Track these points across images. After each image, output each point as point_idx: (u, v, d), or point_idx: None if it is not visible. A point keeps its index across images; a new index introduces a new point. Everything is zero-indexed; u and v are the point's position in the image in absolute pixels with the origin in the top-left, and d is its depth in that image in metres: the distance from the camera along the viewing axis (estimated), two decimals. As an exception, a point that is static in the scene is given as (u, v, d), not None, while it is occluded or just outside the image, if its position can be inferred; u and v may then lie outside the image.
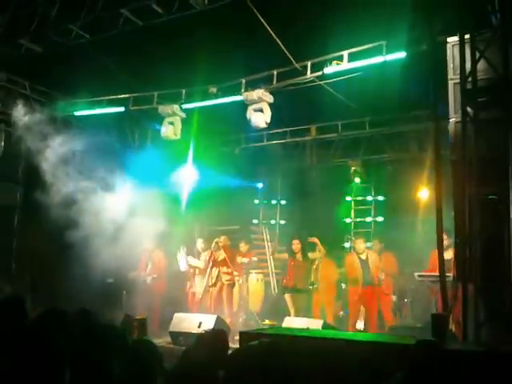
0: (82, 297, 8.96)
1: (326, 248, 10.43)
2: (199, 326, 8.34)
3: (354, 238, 11.52)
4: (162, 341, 8.91)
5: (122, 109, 10.71)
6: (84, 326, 3.87)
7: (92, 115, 11.09)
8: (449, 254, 8.35)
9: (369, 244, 11.41)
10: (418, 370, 2.83)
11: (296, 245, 10.48)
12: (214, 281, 10.38)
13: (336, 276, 10.49)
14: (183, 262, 10.75)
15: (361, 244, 10.07)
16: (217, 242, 10.51)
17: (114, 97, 10.65)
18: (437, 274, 7.15)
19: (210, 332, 4.06)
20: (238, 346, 6.41)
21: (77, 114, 11.13)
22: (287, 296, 10.37)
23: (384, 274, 9.86)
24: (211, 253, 10.54)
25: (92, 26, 8.24)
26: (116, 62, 8.84)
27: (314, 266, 10.38)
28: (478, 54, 6.18)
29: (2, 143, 9.82)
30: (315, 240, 10.44)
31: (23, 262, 10.13)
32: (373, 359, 3.91)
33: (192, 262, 10.81)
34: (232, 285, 10.46)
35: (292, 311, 10.14)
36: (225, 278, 10.36)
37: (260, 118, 9.15)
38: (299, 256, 10.47)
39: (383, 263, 9.95)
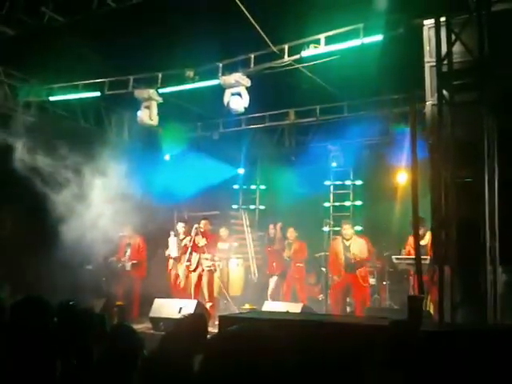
0: (61, 284, 8.91)
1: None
2: (180, 312, 8.34)
3: (332, 222, 11.62)
4: (142, 326, 8.90)
5: (97, 94, 10.55)
6: (63, 313, 3.85)
7: (67, 100, 10.91)
8: (425, 241, 8.48)
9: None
10: (392, 351, 2.86)
11: (271, 229, 10.56)
12: (194, 267, 10.34)
13: (304, 257, 10.64)
14: (174, 247, 10.65)
15: (348, 230, 9.99)
16: (197, 228, 10.46)
17: (90, 81, 10.48)
18: (413, 257, 7.24)
19: (189, 317, 4.05)
20: (217, 330, 6.45)
21: (52, 99, 10.94)
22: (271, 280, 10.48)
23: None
24: (191, 238, 10.49)
25: (65, 8, 8.07)
26: (91, 46, 8.69)
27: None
28: (453, 37, 6.21)
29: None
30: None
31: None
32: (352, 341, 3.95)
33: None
34: (213, 271, 10.44)
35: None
36: (206, 264, 10.32)
37: (238, 102, 9.09)
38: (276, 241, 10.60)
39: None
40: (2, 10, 8.19)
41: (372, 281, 10.85)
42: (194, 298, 9.55)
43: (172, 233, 10.81)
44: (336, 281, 9.94)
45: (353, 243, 9.77)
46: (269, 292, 10.67)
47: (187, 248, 10.35)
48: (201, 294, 10.21)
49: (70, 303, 4.12)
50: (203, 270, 10.30)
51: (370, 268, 10.72)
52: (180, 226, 10.88)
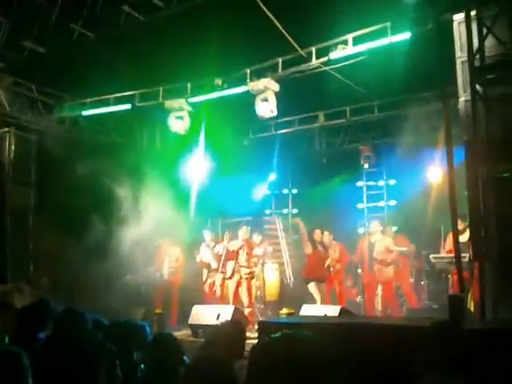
0: (101, 295, 9.06)
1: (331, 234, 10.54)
2: (218, 318, 8.37)
3: (367, 223, 11.49)
4: (181, 334, 8.97)
5: (128, 106, 10.71)
6: (108, 325, 3.91)
7: (100, 114, 11.12)
8: (464, 237, 8.32)
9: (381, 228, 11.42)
10: (436, 352, 2.81)
11: (317, 235, 10.48)
12: (229, 274, 10.30)
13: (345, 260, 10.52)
14: (207, 254, 10.68)
15: (374, 225, 10.02)
16: (228, 234, 10.49)
17: (120, 94, 10.65)
18: (452, 255, 7.12)
19: (226, 323, 4.06)
20: (256, 335, 6.46)
21: (84, 113, 11.15)
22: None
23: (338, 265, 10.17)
24: (224, 245, 10.50)
25: (94, 24, 8.25)
26: (120, 59, 8.84)
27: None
28: (485, 31, 6.10)
29: (13, 147, 9.86)
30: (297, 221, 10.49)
31: (40, 264, 10.22)
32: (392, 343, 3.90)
33: (205, 258, 10.74)
34: (251, 278, 10.42)
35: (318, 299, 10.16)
36: (244, 271, 10.28)
37: (265, 107, 9.10)
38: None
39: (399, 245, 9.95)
40: (33, 28, 8.42)
41: (411, 281, 10.73)
42: (232, 304, 9.55)
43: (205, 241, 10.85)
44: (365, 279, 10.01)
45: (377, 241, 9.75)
46: (317, 298, 10.41)
47: (220, 256, 10.36)
48: (239, 300, 10.20)
49: (122, 321, 4.14)
50: (241, 278, 10.26)
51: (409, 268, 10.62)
52: (206, 234, 10.89)
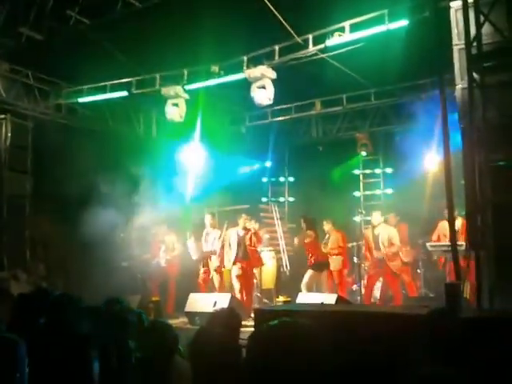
0: (97, 282, 9.08)
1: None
2: (214, 305, 8.41)
3: (363, 212, 11.49)
4: (178, 321, 9.02)
5: (125, 93, 10.66)
6: (103, 311, 3.91)
7: (96, 101, 11.06)
8: (456, 226, 8.35)
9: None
10: (433, 340, 2.83)
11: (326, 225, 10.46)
12: (232, 261, 10.22)
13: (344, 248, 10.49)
14: (193, 250, 10.66)
15: (376, 217, 9.98)
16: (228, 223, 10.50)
17: (117, 81, 10.59)
18: (449, 243, 7.14)
19: (222, 310, 4.08)
20: (252, 323, 6.49)
21: (81, 100, 11.10)
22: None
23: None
24: (221, 233, 10.51)
25: (90, 10, 8.18)
26: (116, 46, 8.79)
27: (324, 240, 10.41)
28: (482, 18, 6.07)
29: (9, 134, 9.83)
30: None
31: (37, 251, 10.24)
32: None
33: (206, 249, 10.68)
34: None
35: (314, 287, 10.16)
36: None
37: (263, 94, 9.06)
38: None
39: (401, 235, 9.94)
40: (30, 15, 8.35)
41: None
42: (230, 293, 9.56)
43: (188, 233, 10.80)
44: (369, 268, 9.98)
45: (381, 232, 9.75)
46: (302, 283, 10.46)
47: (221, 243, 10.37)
48: (233, 287, 10.20)
49: (117, 299, 4.13)
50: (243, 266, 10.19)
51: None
52: (207, 219, 10.83)
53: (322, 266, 10.13)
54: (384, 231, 9.73)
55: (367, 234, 10.16)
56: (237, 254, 10.04)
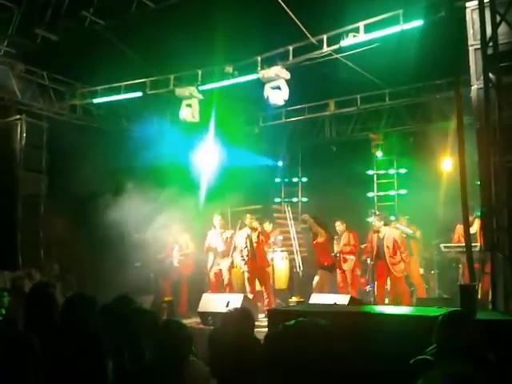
0: (111, 282, 9.13)
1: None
2: (227, 306, 8.41)
3: (377, 213, 11.43)
4: (191, 321, 9.03)
5: (139, 94, 10.71)
6: (116, 310, 3.92)
7: (111, 101, 11.13)
8: (473, 229, 8.27)
9: (392, 217, 11.38)
10: (447, 342, 2.81)
11: (338, 226, 10.43)
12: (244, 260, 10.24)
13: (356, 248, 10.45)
14: (215, 240, 10.68)
15: (375, 222, 9.95)
16: (241, 223, 10.49)
17: (131, 82, 10.65)
18: (463, 244, 7.08)
19: (235, 310, 4.07)
20: (266, 324, 6.48)
21: (95, 101, 11.17)
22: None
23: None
24: (233, 233, 10.52)
25: (105, 11, 8.24)
26: (130, 47, 8.84)
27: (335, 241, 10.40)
28: (498, 18, 6.01)
29: (25, 134, 9.92)
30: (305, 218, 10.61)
31: (51, 250, 10.31)
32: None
33: (213, 243, 10.71)
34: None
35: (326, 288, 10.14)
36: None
37: (278, 95, 9.05)
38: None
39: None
40: (45, 16, 8.42)
41: (420, 270, 10.70)
42: (243, 293, 9.56)
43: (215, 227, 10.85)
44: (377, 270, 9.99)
45: (386, 237, 9.71)
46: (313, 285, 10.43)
47: (230, 241, 10.38)
48: (244, 288, 10.20)
49: (126, 296, 4.14)
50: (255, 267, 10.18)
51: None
52: (217, 220, 10.85)
53: (329, 268, 10.20)
54: (389, 235, 9.70)
55: (371, 236, 10.10)
56: (247, 255, 10.07)
